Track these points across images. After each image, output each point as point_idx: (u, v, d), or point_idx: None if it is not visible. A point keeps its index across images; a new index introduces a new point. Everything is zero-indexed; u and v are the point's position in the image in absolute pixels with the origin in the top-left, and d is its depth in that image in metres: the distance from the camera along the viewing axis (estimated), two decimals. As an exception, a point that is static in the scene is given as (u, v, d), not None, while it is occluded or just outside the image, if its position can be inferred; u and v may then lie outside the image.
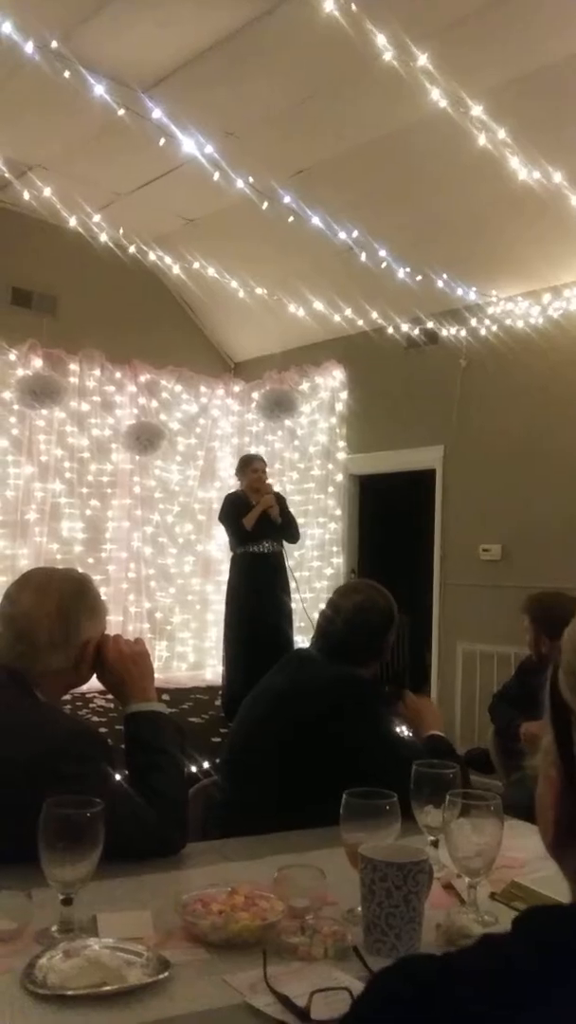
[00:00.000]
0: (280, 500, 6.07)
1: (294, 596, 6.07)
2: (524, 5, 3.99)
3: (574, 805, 0.62)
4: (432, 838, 1.62)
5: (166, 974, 1.17)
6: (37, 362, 6.65)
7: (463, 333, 6.23)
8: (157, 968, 1.18)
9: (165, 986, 1.15)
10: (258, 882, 1.43)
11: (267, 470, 6.15)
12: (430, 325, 6.38)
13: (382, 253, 5.63)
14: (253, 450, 7.69)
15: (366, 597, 2.30)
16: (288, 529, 6.01)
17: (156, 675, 1.88)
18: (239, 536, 5.97)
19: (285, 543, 6.07)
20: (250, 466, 6.07)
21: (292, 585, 6.06)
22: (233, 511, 5.99)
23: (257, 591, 5.82)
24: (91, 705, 5.47)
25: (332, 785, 1.54)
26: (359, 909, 1.34)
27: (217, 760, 2.52)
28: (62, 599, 1.77)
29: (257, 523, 5.89)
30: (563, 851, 0.64)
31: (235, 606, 5.96)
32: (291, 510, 6.17)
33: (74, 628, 1.76)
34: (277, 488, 6.32)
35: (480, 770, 3.93)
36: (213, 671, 7.45)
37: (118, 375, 7.21)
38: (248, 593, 5.87)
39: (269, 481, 6.14)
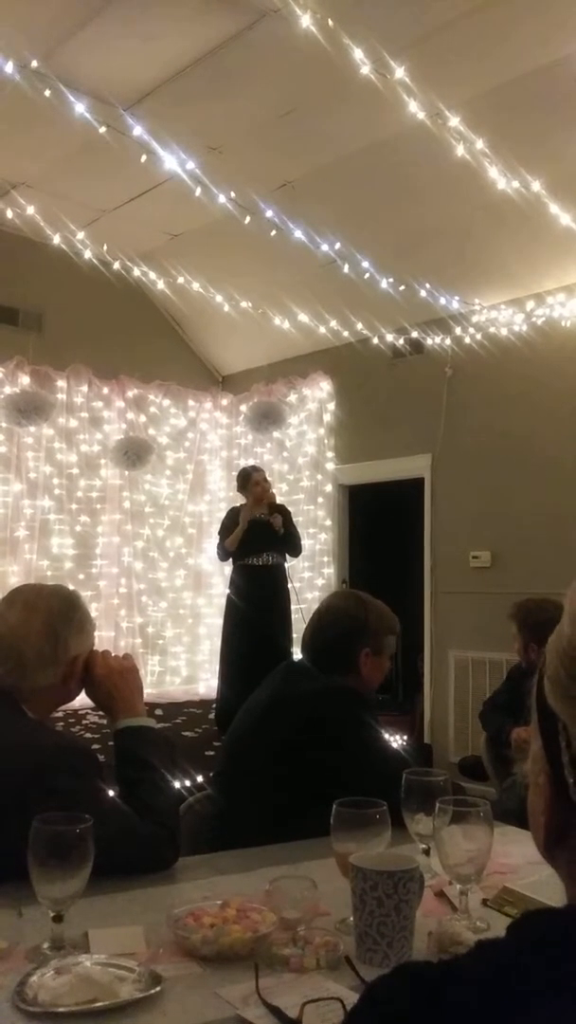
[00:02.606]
0: (284, 512, 6.05)
1: (295, 608, 6.04)
2: (497, 17, 4.03)
3: (563, 810, 0.62)
4: (424, 846, 1.62)
5: (158, 989, 1.16)
6: (24, 379, 6.66)
7: (448, 342, 6.26)
8: (149, 983, 1.17)
9: (157, 1001, 1.15)
10: (250, 894, 1.43)
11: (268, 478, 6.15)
12: (415, 335, 6.42)
13: (365, 264, 5.67)
14: (242, 463, 7.70)
15: (336, 603, 2.28)
16: (289, 541, 5.97)
17: (149, 690, 1.89)
18: (224, 551, 5.97)
19: (288, 556, 6.04)
20: (251, 479, 6.05)
21: (294, 598, 6.02)
22: (229, 526, 5.99)
23: (254, 604, 5.78)
24: (84, 721, 5.45)
25: (322, 795, 1.54)
26: (351, 919, 1.34)
27: (210, 774, 2.52)
28: (50, 616, 1.78)
29: (257, 534, 5.86)
30: (555, 855, 0.65)
31: (231, 619, 5.93)
32: (293, 522, 6.14)
33: (62, 645, 1.76)
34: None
35: (473, 777, 3.93)
36: (206, 685, 7.44)
37: (105, 391, 7.22)
38: (245, 606, 5.84)
39: (273, 490, 6.14)
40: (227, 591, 6.12)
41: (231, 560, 6.05)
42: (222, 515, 7.66)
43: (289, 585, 5.99)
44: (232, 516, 6.08)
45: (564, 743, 0.61)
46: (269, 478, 6.29)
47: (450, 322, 6.20)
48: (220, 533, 6.09)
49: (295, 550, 6.04)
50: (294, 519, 6.19)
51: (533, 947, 0.55)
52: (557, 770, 0.62)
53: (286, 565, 6.05)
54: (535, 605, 3.68)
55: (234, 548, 5.88)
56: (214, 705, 6.15)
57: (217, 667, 7.14)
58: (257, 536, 5.87)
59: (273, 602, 5.80)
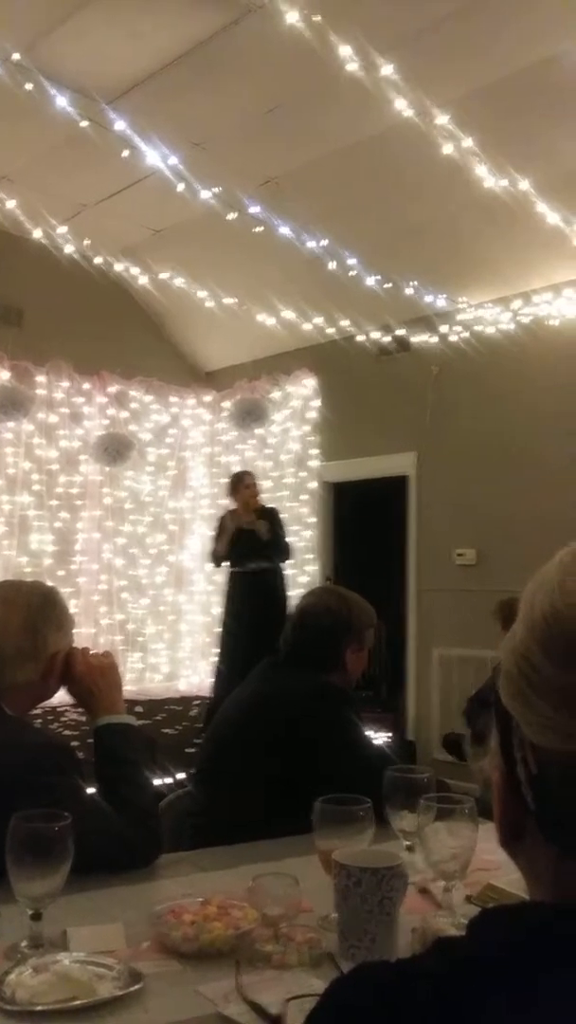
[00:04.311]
0: (272, 516, 5.97)
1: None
2: (485, 16, 4.03)
3: (517, 808, 0.62)
4: (408, 843, 1.62)
5: (138, 986, 1.15)
6: (4, 374, 6.61)
7: (434, 340, 6.27)
8: (128, 981, 1.16)
9: (137, 998, 1.14)
10: (232, 891, 1.42)
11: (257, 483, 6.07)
12: (401, 332, 6.42)
13: (351, 261, 5.66)
14: (224, 460, 7.69)
15: (317, 601, 2.26)
16: (276, 545, 5.86)
17: (130, 687, 1.87)
18: (216, 556, 5.94)
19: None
20: (242, 483, 5.99)
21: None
22: (219, 534, 5.96)
23: (246, 611, 5.73)
24: (62, 719, 5.41)
25: (305, 793, 1.53)
26: (334, 915, 1.33)
27: (191, 770, 2.50)
28: (29, 612, 1.76)
29: (243, 542, 5.79)
30: (512, 850, 0.65)
31: (225, 626, 5.92)
32: (282, 525, 6.06)
33: (41, 641, 1.75)
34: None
35: (456, 755, 3.92)
36: (187, 682, 7.42)
37: (86, 386, 7.18)
38: (231, 614, 5.83)
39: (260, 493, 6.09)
40: (223, 599, 6.08)
41: (227, 566, 6.01)
42: (204, 512, 7.66)
43: (283, 590, 5.92)
44: (222, 523, 6.04)
45: (517, 741, 0.62)
46: (253, 474, 6.24)
47: (436, 320, 6.21)
48: (213, 540, 6.07)
49: (282, 554, 5.93)
50: (279, 517, 6.13)
51: (490, 945, 0.55)
52: (511, 767, 0.63)
53: (281, 569, 5.95)
54: (519, 603, 3.66)
55: (224, 552, 5.83)
56: (196, 702, 6.12)
57: (198, 665, 7.12)
58: (243, 544, 5.81)
59: (264, 608, 5.67)
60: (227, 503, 6.20)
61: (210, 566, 7.26)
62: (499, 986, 0.52)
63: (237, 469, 6.68)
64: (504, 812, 0.64)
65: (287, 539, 6.06)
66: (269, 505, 6.21)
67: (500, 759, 0.64)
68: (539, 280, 5.70)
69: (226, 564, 6.00)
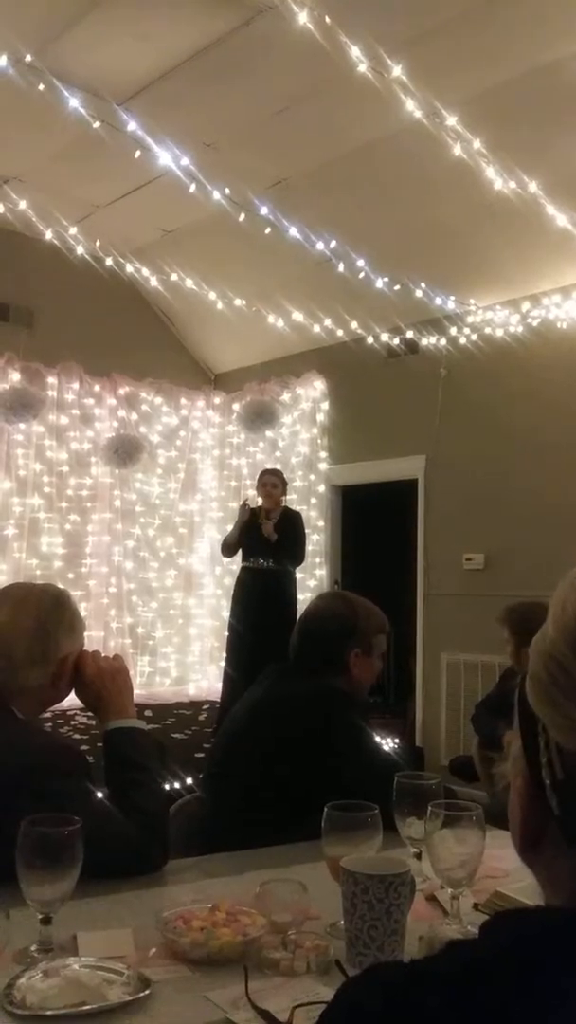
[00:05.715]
0: (293, 520, 5.95)
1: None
2: (495, 18, 4.03)
3: (539, 813, 0.62)
4: (415, 850, 1.61)
5: (147, 992, 1.15)
6: (14, 376, 6.62)
7: (443, 342, 6.25)
8: (138, 986, 1.16)
9: (145, 1004, 1.14)
10: (240, 897, 1.42)
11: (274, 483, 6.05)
12: (410, 335, 6.41)
13: (360, 263, 5.65)
14: (234, 462, 7.70)
15: (322, 605, 2.26)
16: (287, 549, 5.83)
17: (139, 691, 1.87)
18: (224, 545, 5.96)
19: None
20: (259, 481, 6.06)
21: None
22: (236, 523, 5.99)
23: (252, 606, 5.75)
24: (72, 722, 5.42)
25: (313, 798, 1.53)
26: (342, 923, 1.33)
27: (200, 775, 2.50)
28: (40, 614, 1.76)
29: (254, 538, 5.80)
30: (531, 857, 0.65)
31: (228, 628, 5.94)
32: (302, 531, 6.04)
33: (52, 644, 1.75)
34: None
35: (464, 778, 3.92)
36: (196, 686, 7.42)
37: (97, 388, 7.19)
38: (238, 609, 5.84)
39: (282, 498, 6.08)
40: (230, 599, 6.11)
41: (238, 558, 6.03)
42: (213, 514, 7.67)
43: (290, 589, 5.91)
44: (239, 514, 6.08)
45: (543, 744, 0.61)
46: (277, 474, 6.21)
47: (445, 322, 6.20)
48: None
49: (292, 559, 5.91)
50: (300, 522, 6.11)
51: (503, 948, 0.55)
52: (535, 771, 0.62)
53: (291, 571, 5.93)
54: (527, 609, 3.60)
55: (234, 542, 5.86)
56: (206, 706, 6.12)
57: (207, 669, 7.13)
58: (253, 540, 5.84)
59: (270, 609, 5.65)
60: (243, 499, 6.24)
61: (219, 567, 7.29)
62: (512, 988, 0.52)
63: (246, 472, 6.70)
64: (526, 818, 0.63)
65: (301, 546, 5.99)
66: (295, 508, 6.22)
67: (524, 763, 0.63)
68: (548, 283, 5.69)
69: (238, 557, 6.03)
